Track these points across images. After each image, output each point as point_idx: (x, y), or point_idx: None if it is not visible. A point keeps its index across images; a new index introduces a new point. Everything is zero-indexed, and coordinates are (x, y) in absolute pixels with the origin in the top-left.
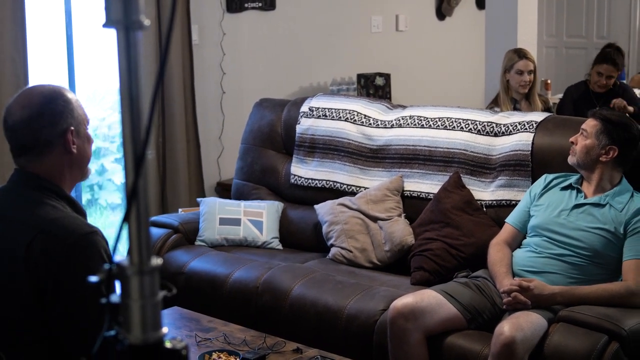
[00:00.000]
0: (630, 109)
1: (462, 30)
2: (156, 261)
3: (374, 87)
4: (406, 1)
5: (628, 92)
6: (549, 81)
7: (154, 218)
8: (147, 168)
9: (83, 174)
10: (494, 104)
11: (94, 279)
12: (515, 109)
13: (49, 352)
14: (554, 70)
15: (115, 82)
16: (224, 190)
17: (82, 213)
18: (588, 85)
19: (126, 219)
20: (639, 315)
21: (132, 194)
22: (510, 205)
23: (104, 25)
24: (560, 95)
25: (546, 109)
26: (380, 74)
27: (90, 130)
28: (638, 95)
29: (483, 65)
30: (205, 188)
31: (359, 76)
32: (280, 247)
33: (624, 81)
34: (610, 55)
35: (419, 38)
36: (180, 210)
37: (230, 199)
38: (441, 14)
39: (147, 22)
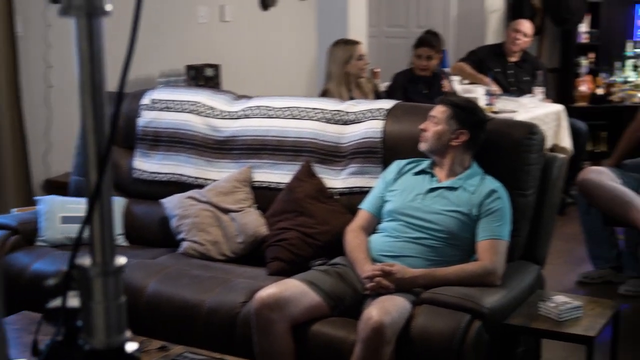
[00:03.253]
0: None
1: (288, 20)
2: (120, 261)
3: (203, 78)
4: None
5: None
6: (377, 70)
7: None
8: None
9: None
10: (324, 96)
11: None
12: (350, 98)
13: None
14: (375, 59)
15: None
16: (53, 188)
17: None
18: (413, 71)
19: (89, 219)
20: (496, 293)
21: (96, 193)
22: (362, 192)
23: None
24: (387, 84)
25: (376, 93)
26: (210, 65)
27: None
28: (456, 82)
29: (314, 55)
30: (33, 186)
31: (188, 67)
32: (126, 243)
33: (447, 69)
34: (426, 38)
35: (245, 28)
36: (13, 210)
37: (62, 196)
38: (265, 4)
39: (109, 7)
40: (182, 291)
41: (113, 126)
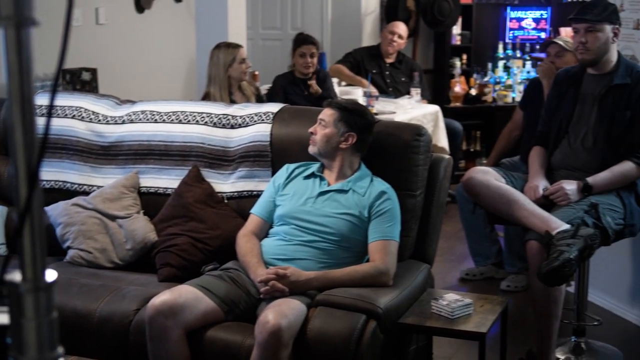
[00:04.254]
0: (320, 91)
1: (164, 22)
2: (51, 276)
3: (80, 82)
4: None
5: (328, 81)
6: (256, 73)
7: None
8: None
9: None
10: (205, 100)
11: None
12: (231, 101)
13: None
14: (251, 61)
15: None
16: None
17: None
18: (294, 73)
19: (19, 234)
20: (390, 293)
21: (26, 208)
22: (252, 196)
23: None
24: (266, 86)
25: (258, 96)
26: (86, 69)
27: None
28: (335, 84)
29: (193, 58)
30: None
31: (64, 72)
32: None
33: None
34: (306, 37)
35: (121, 31)
36: None
37: None
38: (140, 7)
39: (39, 17)
40: (71, 301)
41: (44, 138)
